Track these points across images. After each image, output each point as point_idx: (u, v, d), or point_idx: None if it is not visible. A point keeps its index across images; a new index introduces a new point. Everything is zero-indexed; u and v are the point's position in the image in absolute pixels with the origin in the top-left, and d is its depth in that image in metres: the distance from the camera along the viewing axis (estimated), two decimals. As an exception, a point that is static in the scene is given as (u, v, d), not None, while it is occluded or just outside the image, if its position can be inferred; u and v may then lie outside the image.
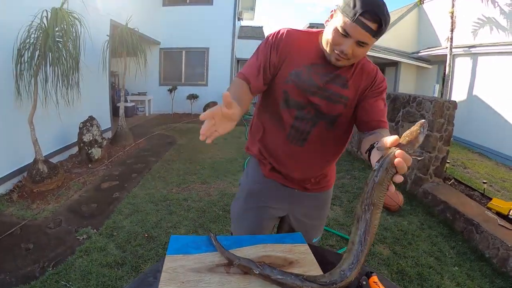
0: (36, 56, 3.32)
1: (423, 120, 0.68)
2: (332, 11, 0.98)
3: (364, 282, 0.75)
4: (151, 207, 3.15)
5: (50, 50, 3.27)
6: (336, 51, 0.95)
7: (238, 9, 10.02)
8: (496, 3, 7.64)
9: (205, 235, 0.94)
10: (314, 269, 0.80)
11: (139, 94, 9.24)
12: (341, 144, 1.21)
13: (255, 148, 1.24)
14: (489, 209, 3.12)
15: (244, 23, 14.46)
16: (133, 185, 3.79)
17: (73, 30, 3.48)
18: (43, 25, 3.34)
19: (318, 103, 1.07)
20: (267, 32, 13.92)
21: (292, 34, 1.09)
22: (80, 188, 3.62)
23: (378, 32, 0.89)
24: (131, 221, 2.87)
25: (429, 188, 3.52)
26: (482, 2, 8.04)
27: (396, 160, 0.63)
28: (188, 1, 9.68)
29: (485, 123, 7.37)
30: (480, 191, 3.81)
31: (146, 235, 2.64)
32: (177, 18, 9.39)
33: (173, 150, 5.56)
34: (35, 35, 3.32)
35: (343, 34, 0.90)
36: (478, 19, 8.20)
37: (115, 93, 7.59)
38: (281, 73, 1.08)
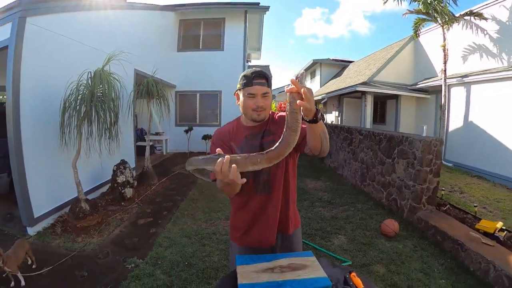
0: (82, 111, 3.70)
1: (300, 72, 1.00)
2: (235, 94, 1.45)
3: (347, 275, 1.24)
4: (185, 241, 3.57)
5: (95, 107, 3.71)
6: (253, 110, 1.36)
7: (246, 51, 10.60)
8: (485, 31, 8.18)
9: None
10: (321, 272, 1.24)
11: (156, 134, 9.89)
12: (294, 180, 1.56)
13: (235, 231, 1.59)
14: (477, 230, 3.47)
15: (252, 63, 14.99)
16: (166, 222, 4.21)
17: (113, 90, 3.84)
18: (87, 84, 3.75)
19: None
20: (273, 70, 14.36)
21: (221, 130, 1.53)
22: (119, 224, 4.04)
23: (268, 83, 1.37)
24: (171, 252, 3.30)
25: (422, 215, 3.97)
26: (472, 32, 8.64)
27: (287, 89, 0.97)
28: (201, 47, 10.45)
29: (481, 147, 7.72)
30: (472, 214, 4.18)
31: (187, 263, 3.08)
32: (191, 63, 10.14)
33: (195, 189, 5.95)
34: (82, 93, 3.72)
35: (251, 96, 1.35)
36: (469, 46, 8.77)
37: (135, 132, 8.26)
38: None
